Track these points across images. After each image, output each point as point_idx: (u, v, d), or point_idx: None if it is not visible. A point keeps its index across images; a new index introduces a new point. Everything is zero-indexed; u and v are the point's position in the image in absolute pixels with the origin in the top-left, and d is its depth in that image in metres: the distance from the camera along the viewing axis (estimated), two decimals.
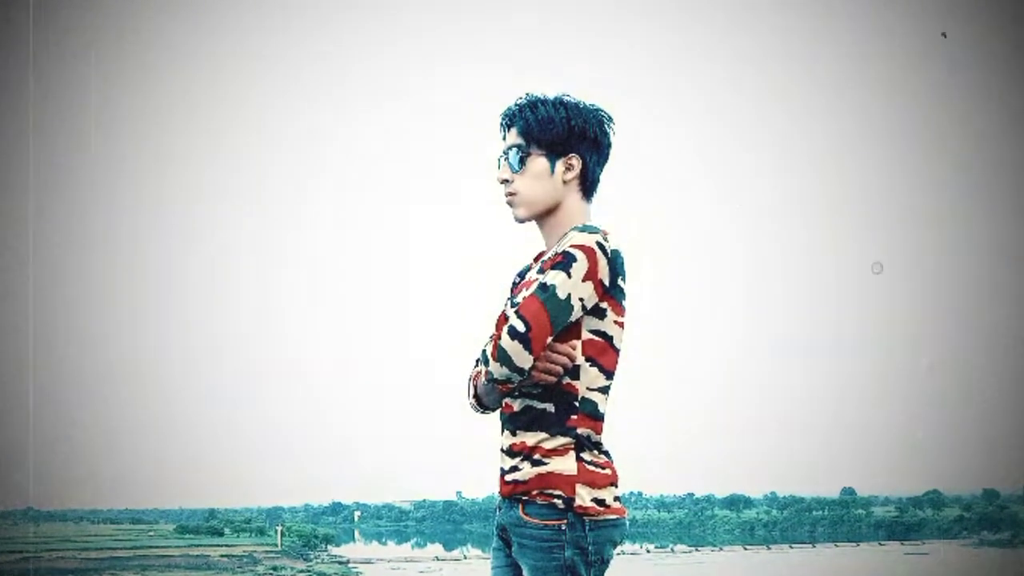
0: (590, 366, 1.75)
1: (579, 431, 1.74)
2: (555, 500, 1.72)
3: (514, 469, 1.76)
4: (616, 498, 1.77)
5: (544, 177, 1.83)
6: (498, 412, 1.84)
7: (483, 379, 1.76)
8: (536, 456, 1.74)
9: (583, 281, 1.70)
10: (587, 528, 1.72)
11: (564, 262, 1.71)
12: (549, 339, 1.70)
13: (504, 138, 1.87)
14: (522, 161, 1.83)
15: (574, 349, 1.73)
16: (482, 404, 1.83)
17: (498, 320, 1.81)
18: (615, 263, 1.74)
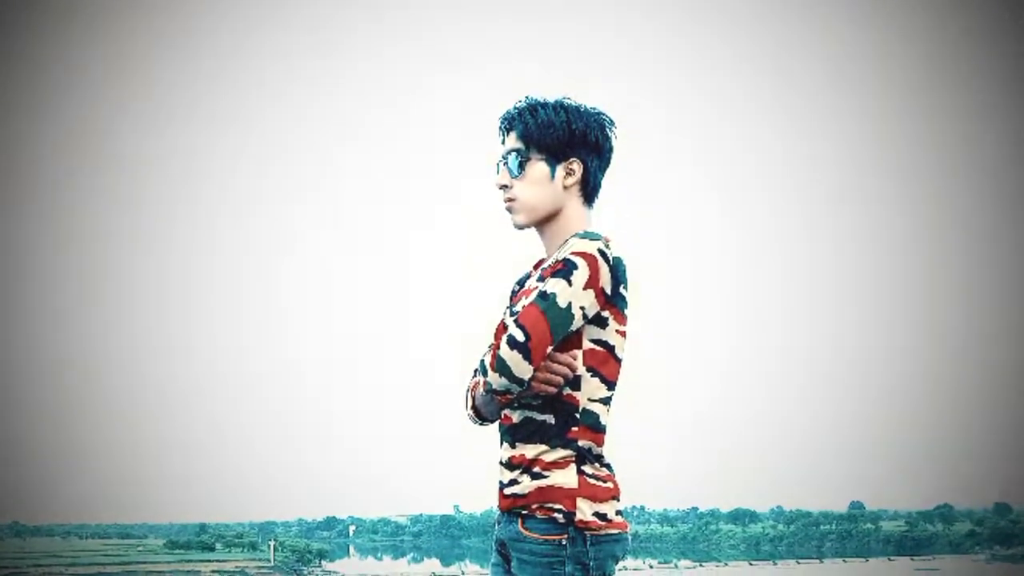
0: (591, 376, 1.71)
1: (580, 443, 1.71)
2: (555, 514, 1.68)
3: (513, 482, 1.73)
4: (618, 512, 1.74)
5: (544, 182, 1.79)
6: (497, 424, 1.81)
7: (481, 390, 1.73)
8: (536, 469, 1.70)
9: (584, 289, 1.67)
10: (588, 543, 1.68)
11: (565, 270, 1.68)
12: (549, 349, 1.66)
13: (503, 142, 1.84)
14: (521, 166, 1.80)
15: (575, 359, 1.70)
16: (480, 416, 1.80)
17: (497, 329, 1.78)
18: (617, 271, 1.70)
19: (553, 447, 1.70)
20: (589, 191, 1.83)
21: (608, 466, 1.75)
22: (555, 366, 1.68)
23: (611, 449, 1.76)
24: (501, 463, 1.77)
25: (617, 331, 1.73)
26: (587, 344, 1.71)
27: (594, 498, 1.69)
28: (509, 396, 1.69)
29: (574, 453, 1.70)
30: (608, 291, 1.69)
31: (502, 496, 1.75)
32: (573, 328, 1.68)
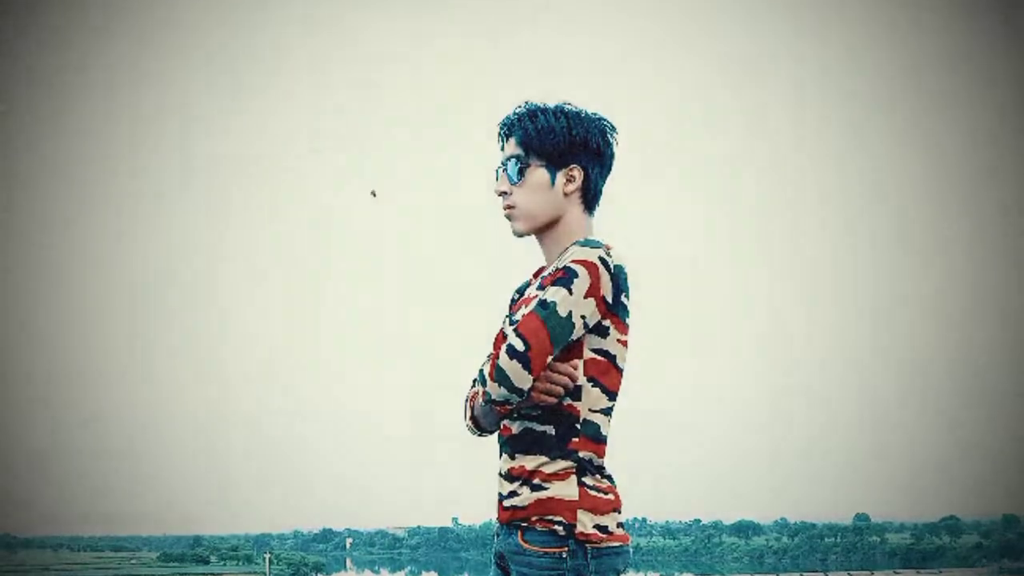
0: (592, 386, 1.69)
1: (581, 454, 1.69)
2: (556, 527, 1.66)
3: (513, 494, 1.71)
4: (619, 524, 1.72)
5: (544, 189, 1.77)
6: (496, 435, 1.78)
7: (480, 400, 1.71)
8: (536, 480, 1.68)
9: (585, 298, 1.65)
10: (589, 556, 1.66)
11: (565, 278, 1.66)
12: (549, 358, 1.64)
13: (502, 148, 1.82)
14: (521, 172, 1.78)
15: (575, 369, 1.68)
16: (479, 426, 1.78)
17: (496, 338, 1.76)
18: (618, 279, 1.68)
19: (553, 458, 1.68)
20: (590, 198, 1.81)
21: (609, 477, 1.73)
22: (555, 376, 1.66)
23: (612, 460, 1.74)
24: (500, 474, 1.75)
25: (618, 340, 1.70)
26: (588, 354, 1.69)
27: (595, 510, 1.67)
28: (508, 406, 1.67)
29: (575, 464, 1.68)
30: (609, 300, 1.67)
31: (501, 508, 1.73)
32: (574, 337, 1.66)
